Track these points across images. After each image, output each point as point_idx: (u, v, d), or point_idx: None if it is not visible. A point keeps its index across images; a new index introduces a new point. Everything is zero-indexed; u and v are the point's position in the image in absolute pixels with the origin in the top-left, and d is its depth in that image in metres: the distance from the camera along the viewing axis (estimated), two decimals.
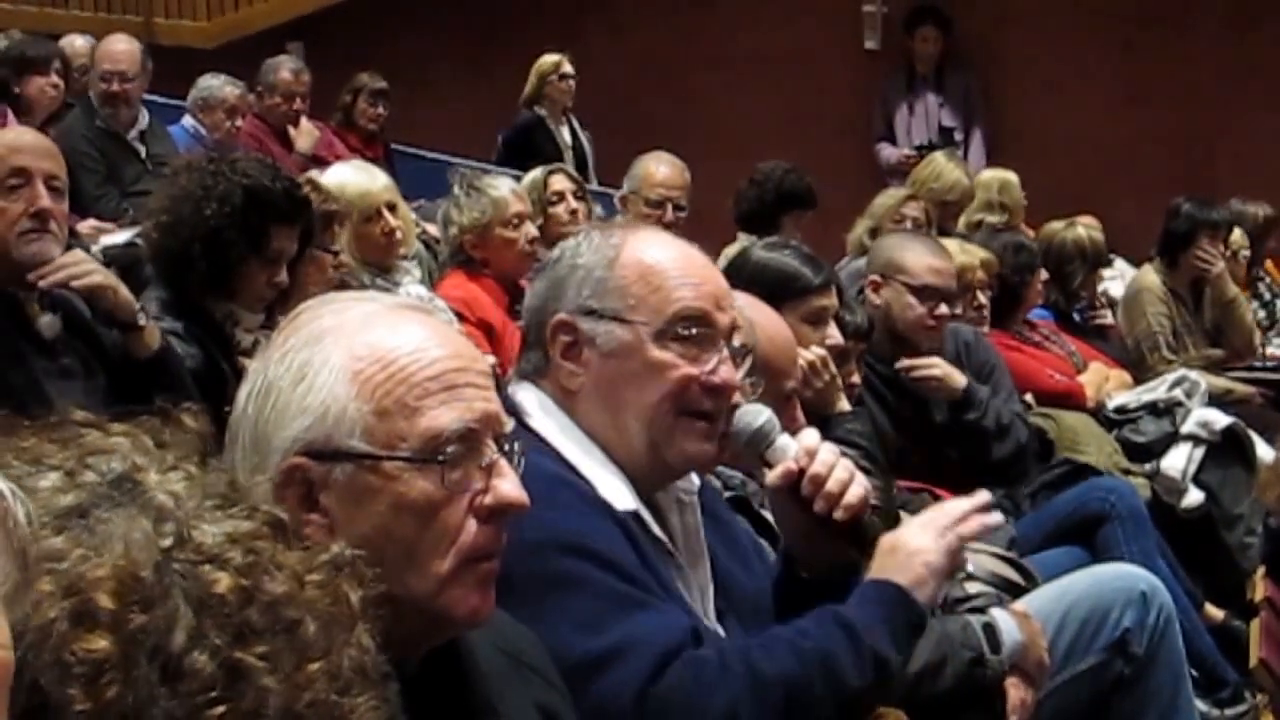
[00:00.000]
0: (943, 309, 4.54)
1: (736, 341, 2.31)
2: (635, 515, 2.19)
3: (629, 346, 2.21)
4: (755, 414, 2.31)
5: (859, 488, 2.22)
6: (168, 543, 1.13)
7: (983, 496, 2.30)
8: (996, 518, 2.21)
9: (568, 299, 2.25)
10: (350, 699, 1.17)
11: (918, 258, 4.58)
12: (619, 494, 2.18)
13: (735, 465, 2.86)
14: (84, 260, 3.37)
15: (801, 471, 2.23)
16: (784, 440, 2.28)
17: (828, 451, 2.24)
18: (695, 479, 2.38)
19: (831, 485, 2.21)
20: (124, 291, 3.37)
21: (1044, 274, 5.90)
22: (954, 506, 2.29)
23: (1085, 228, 6.28)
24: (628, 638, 2.01)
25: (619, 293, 2.23)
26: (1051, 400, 5.33)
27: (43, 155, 3.33)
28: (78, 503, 1.14)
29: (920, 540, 2.20)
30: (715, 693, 2.02)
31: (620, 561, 2.08)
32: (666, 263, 2.26)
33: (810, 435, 2.29)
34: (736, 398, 2.43)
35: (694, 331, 2.22)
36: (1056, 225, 6.38)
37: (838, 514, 2.20)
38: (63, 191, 3.35)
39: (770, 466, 2.28)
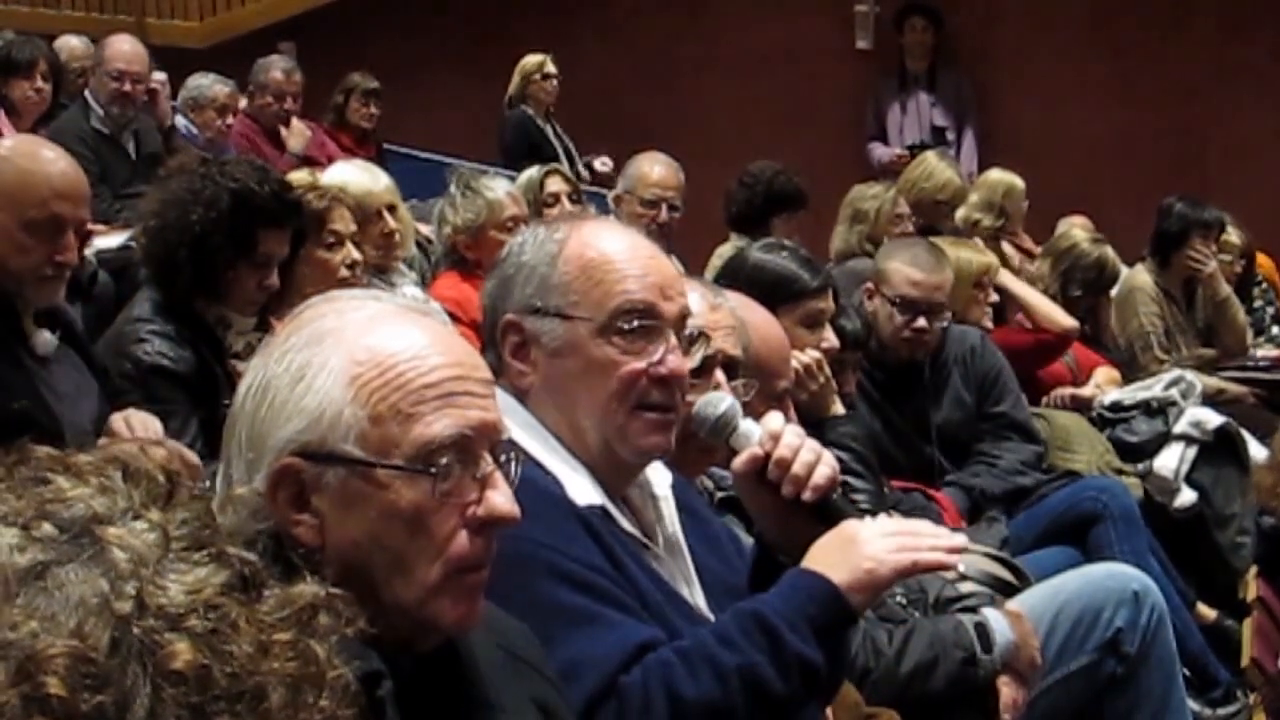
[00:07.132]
0: (920, 322, 4.54)
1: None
2: (602, 511, 2.16)
3: (572, 344, 2.18)
4: (716, 402, 2.30)
5: (826, 468, 2.18)
6: (126, 608, 1.08)
7: (959, 539, 2.16)
8: (956, 559, 2.10)
9: (514, 298, 2.22)
10: None
11: (898, 268, 4.60)
12: (585, 490, 2.16)
13: (727, 465, 2.86)
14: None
15: (767, 456, 2.20)
16: (748, 425, 2.26)
17: (792, 434, 2.21)
18: (668, 475, 2.36)
19: (798, 468, 2.17)
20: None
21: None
22: (926, 529, 2.17)
23: (1110, 249, 6.23)
24: (571, 662, 1.99)
25: (561, 289, 2.19)
26: (1030, 357, 5.38)
27: (81, 203, 3.27)
28: (33, 562, 1.09)
29: (875, 546, 2.08)
30: None
31: (576, 571, 2.05)
32: (610, 255, 2.21)
33: (774, 419, 2.25)
34: (725, 395, 2.41)
35: (636, 324, 2.17)
36: (1081, 234, 6.34)
37: (806, 495, 2.17)
38: (80, 234, 3.31)
39: (736, 453, 2.25)
